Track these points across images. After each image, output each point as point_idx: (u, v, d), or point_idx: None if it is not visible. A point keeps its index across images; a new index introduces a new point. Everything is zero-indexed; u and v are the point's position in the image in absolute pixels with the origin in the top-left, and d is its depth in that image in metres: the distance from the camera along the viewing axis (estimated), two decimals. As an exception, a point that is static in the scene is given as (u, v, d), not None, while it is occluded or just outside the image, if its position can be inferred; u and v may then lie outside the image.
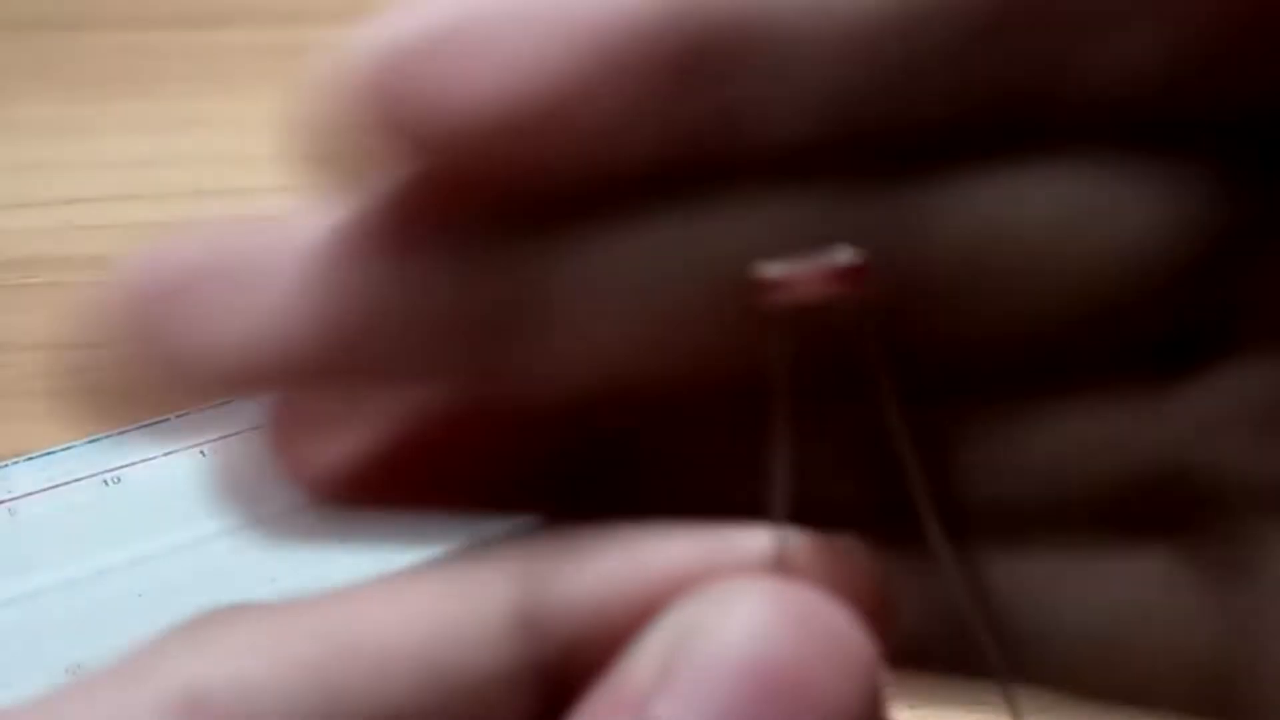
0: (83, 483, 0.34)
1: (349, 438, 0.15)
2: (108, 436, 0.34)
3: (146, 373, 0.15)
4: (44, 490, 0.34)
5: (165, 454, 0.34)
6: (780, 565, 0.15)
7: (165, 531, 0.33)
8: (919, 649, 0.15)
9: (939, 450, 0.16)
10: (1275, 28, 0.14)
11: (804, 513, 0.15)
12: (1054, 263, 0.15)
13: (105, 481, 0.34)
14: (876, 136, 0.14)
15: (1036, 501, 0.16)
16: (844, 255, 0.15)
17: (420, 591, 0.15)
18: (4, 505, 0.33)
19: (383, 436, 0.15)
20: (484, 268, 0.15)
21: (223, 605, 0.15)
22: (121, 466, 0.34)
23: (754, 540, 0.15)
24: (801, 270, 0.15)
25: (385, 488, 0.16)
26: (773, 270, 0.15)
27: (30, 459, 0.34)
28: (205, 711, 0.14)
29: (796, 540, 0.15)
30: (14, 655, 0.31)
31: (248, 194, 0.41)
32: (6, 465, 0.34)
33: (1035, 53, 0.14)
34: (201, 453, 0.33)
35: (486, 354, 0.15)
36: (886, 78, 0.14)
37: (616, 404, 0.15)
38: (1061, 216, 0.15)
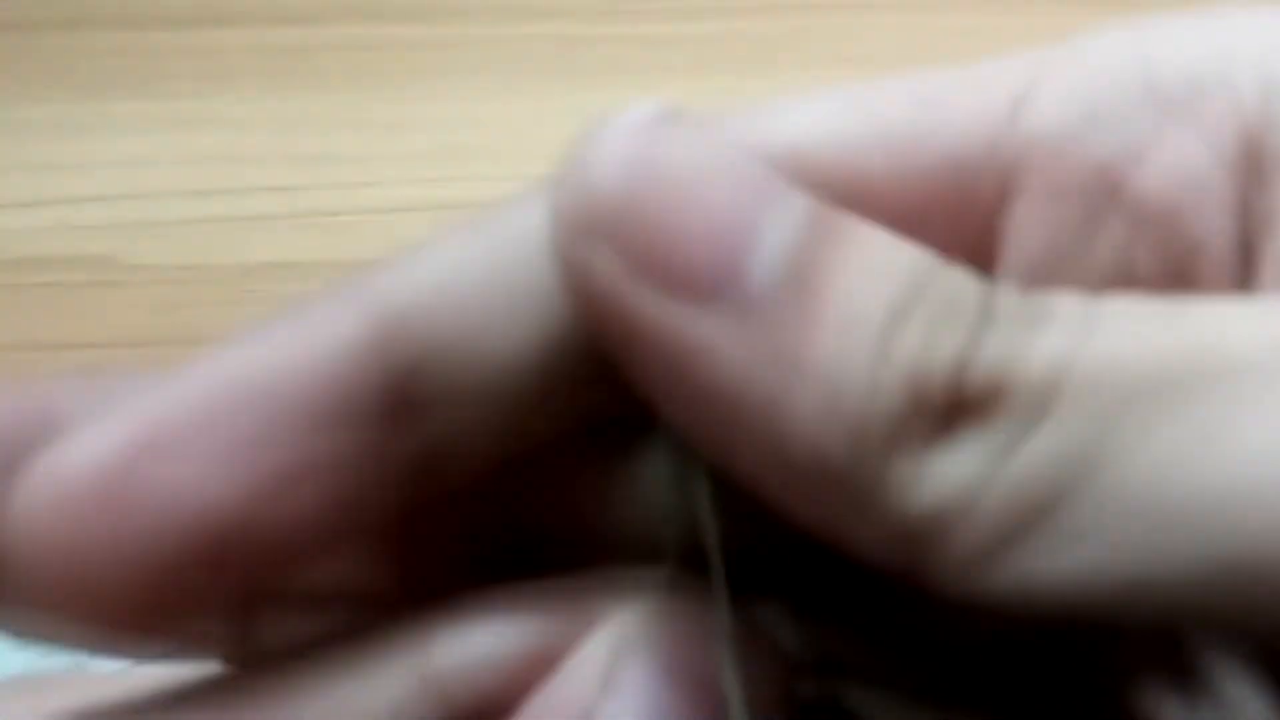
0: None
1: None
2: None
3: None
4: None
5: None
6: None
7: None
8: None
9: None
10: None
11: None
12: None
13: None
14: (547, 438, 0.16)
15: None
16: None
17: (322, 669, 0.15)
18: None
19: None
20: None
21: None
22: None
23: (627, 589, 0.16)
24: None
25: None
26: None
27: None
28: None
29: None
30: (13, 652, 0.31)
31: (247, 194, 0.41)
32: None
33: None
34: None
35: None
36: (544, 396, 0.16)
37: None
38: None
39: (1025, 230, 0.17)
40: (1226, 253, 0.16)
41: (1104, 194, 0.16)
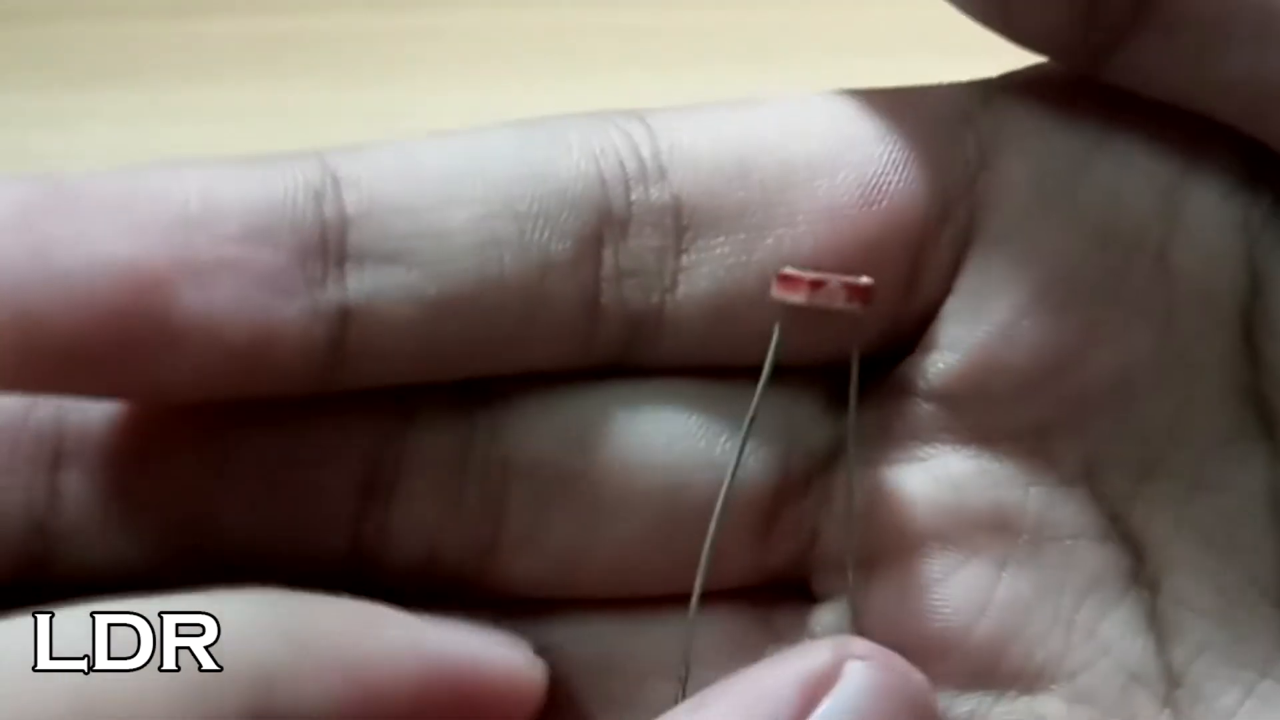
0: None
1: None
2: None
3: None
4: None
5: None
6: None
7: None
8: None
9: None
10: None
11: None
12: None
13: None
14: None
15: None
16: (863, 277, 0.17)
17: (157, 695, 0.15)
18: None
19: None
20: None
21: None
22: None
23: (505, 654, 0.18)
24: (831, 278, 0.17)
25: None
26: (802, 271, 0.17)
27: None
28: None
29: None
30: None
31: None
32: None
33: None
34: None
35: None
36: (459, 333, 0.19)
37: None
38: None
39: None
40: None
41: None
